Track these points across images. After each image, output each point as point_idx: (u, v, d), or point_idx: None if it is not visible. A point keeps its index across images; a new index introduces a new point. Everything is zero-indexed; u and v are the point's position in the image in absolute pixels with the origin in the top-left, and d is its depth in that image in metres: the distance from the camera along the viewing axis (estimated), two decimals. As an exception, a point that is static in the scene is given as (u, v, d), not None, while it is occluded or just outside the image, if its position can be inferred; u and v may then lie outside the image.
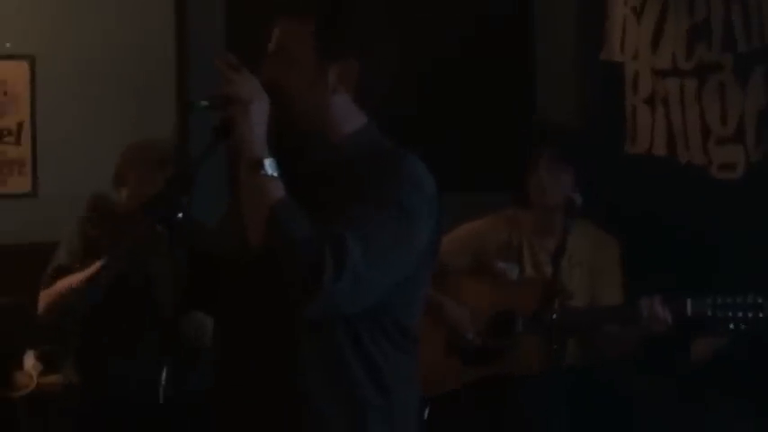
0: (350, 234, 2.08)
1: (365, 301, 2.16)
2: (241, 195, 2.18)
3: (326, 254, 2.05)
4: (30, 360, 4.37)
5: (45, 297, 3.64)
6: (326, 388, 2.23)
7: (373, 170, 2.22)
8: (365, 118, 2.34)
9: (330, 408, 2.23)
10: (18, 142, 4.81)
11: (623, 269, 3.94)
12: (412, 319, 2.32)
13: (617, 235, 4.00)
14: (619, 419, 3.75)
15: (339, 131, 2.31)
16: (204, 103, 2.21)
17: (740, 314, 3.47)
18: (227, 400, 2.33)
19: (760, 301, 3.47)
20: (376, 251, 2.11)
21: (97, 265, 3.48)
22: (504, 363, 3.76)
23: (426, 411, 3.81)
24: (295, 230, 2.08)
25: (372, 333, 2.24)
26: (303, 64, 2.26)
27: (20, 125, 4.81)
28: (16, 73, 4.81)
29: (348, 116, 2.32)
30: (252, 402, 2.28)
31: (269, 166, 2.14)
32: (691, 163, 4.31)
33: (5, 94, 4.80)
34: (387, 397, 2.27)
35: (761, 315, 3.46)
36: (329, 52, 2.27)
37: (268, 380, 2.26)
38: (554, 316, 2.94)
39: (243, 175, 2.16)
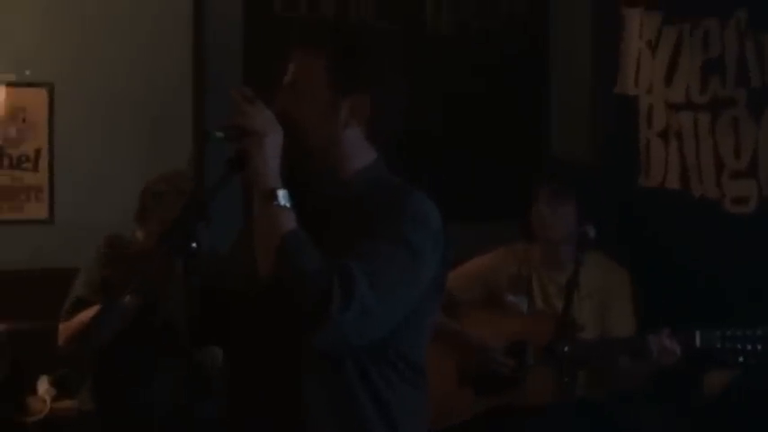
0: (358, 266, 2.10)
1: (372, 334, 2.17)
2: (254, 226, 2.20)
3: (335, 283, 2.06)
4: (43, 385, 4.38)
5: (64, 330, 3.64)
6: (334, 423, 2.24)
7: (381, 207, 2.24)
8: (374, 154, 2.35)
9: None
10: (35, 169, 4.84)
11: (635, 300, 3.95)
12: (419, 353, 2.33)
13: (629, 267, 4.01)
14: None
15: (349, 167, 2.32)
16: (219, 134, 2.22)
17: (749, 347, 3.47)
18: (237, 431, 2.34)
19: None
20: (384, 285, 2.13)
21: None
22: (516, 393, 3.77)
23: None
24: (305, 261, 2.10)
25: (380, 367, 2.26)
26: (316, 97, 2.28)
27: (37, 152, 4.84)
28: (35, 100, 4.84)
29: (358, 151, 2.33)
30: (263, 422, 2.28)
31: (282, 197, 2.16)
32: (704, 197, 4.32)
33: (24, 121, 4.83)
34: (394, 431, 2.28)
35: None
36: (342, 86, 2.28)
37: (276, 413, 2.27)
38: (566, 349, 2.94)
39: (256, 206, 2.18)
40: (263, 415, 2.28)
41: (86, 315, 3.58)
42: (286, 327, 2.17)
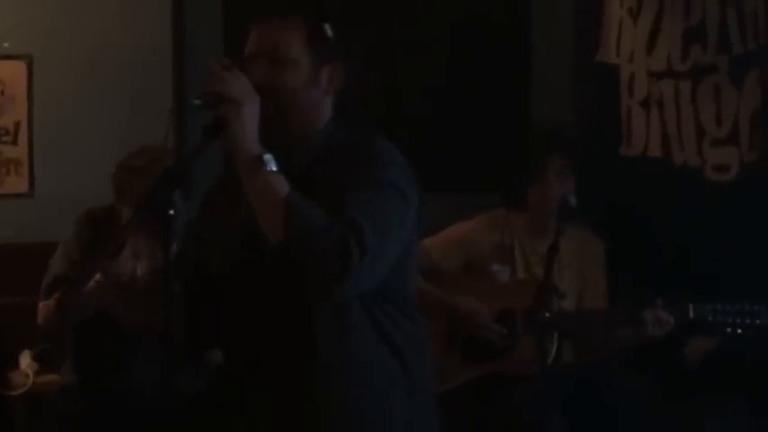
0: (359, 216, 2.18)
1: (381, 276, 2.28)
2: (248, 195, 2.23)
3: (350, 237, 2.15)
4: (26, 359, 4.38)
5: (43, 308, 3.61)
6: (349, 369, 2.34)
7: (359, 158, 2.33)
8: (332, 112, 2.44)
9: (354, 388, 2.34)
10: (15, 142, 4.82)
11: (606, 270, 4.00)
12: (411, 287, 2.46)
13: (608, 236, 4.04)
14: (613, 418, 3.77)
15: (320, 128, 2.40)
16: (197, 101, 2.24)
17: (738, 320, 3.58)
18: (249, 401, 2.40)
19: (757, 308, 3.58)
20: (382, 228, 2.22)
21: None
22: (502, 361, 3.79)
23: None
24: (315, 220, 2.17)
25: (382, 305, 2.36)
26: (299, 64, 2.34)
27: (17, 125, 4.82)
28: (14, 73, 4.82)
29: (326, 114, 2.42)
30: (276, 393, 2.37)
31: (270, 161, 2.21)
32: (686, 164, 4.33)
33: (2, 93, 4.81)
34: (406, 368, 2.39)
35: (758, 322, 3.57)
36: (321, 54, 2.36)
37: (290, 371, 2.35)
38: (546, 314, 2.97)
39: (244, 173, 2.22)
40: (277, 376, 2.36)
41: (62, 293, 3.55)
42: (293, 287, 2.26)
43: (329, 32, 2.39)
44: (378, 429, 2.38)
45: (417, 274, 2.55)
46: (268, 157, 2.21)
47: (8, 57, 4.79)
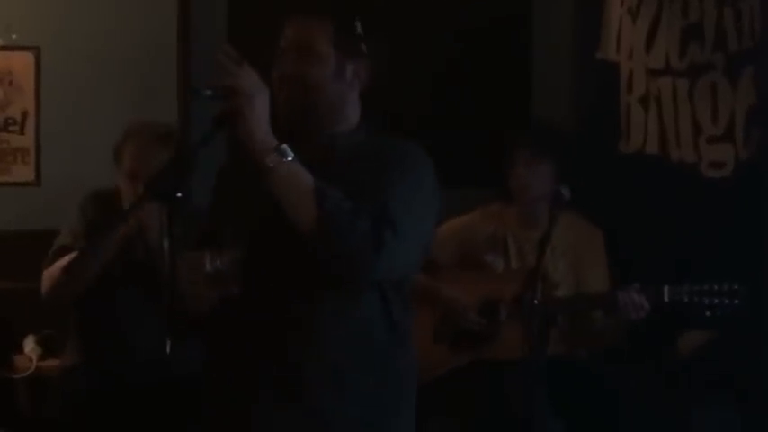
0: (392, 202, 2.28)
1: (409, 265, 2.40)
2: (269, 185, 2.29)
3: (383, 223, 2.24)
4: (29, 344, 4.43)
5: (47, 277, 3.69)
6: (354, 357, 2.40)
7: (389, 154, 2.43)
8: (361, 110, 2.54)
9: (357, 372, 2.40)
10: (22, 132, 4.87)
11: (607, 258, 4.03)
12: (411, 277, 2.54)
13: (605, 228, 4.08)
14: (603, 410, 3.81)
15: (345, 122, 2.50)
16: (208, 92, 2.31)
17: (716, 300, 3.57)
18: (240, 382, 2.43)
19: (735, 287, 3.57)
20: (414, 216, 2.32)
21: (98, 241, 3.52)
22: (489, 348, 3.85)
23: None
24: (344, 206, 2.25)
25: (394, 291, 2.44)
26: (326, 59, 2.44)
27: (24, 115, 4.87)
28: (22, 63, 4.86)
29: (354, 111, 2.52)
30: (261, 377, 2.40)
31: (286, 151, 2.29)
32: (682, 161, 4.38)
33: (11, 84, 4.85)
34: (404, 353, 2.48)
35: (736, 302, 3.56)
36: (346, 50, 2.46)
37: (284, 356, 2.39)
38: (536, 302, 3.03)
39: (261, 164, 2.28)
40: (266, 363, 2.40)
41: (67, 259, 3.62)
42: (306, 273, 2.32)
43: (357, 29, 2.49)
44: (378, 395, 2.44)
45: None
46: (284, 147, 2.29)
47: (16, 48, 4.83)
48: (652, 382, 3.99)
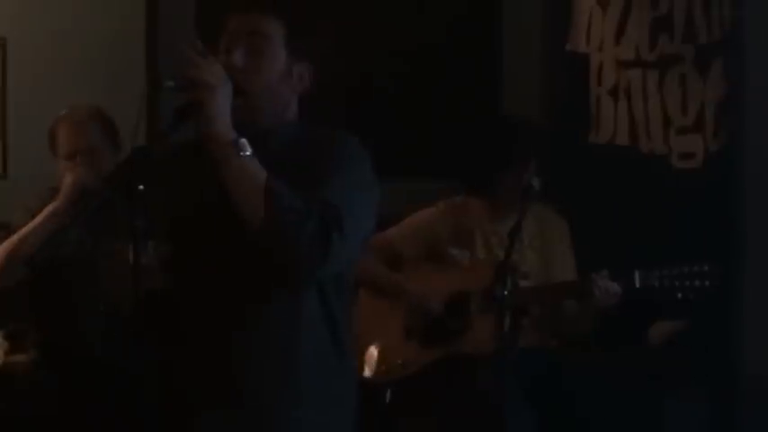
0: (335, 201, 2.27)
1: (351, 261, 2.39)
2: (222, 179, 2.27)
3: (330, 220, 2.23)
4: (-4, 338, 4.40)
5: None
6: (297, 349, 2.38)
7: (328, 149, 2.41)
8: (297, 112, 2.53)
9: (301, 371, 2.38)
10: (-12, 124, 4.84)
11: (573, 247, 4.03)
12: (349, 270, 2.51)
13: (575, 219, 4.08)
14: (574, 399, 3.82)
15: (284, 120, 2.48)
16: (170, 83, 2.29)
17: (687, 283, 3.56)
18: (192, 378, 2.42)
19: (706, 268, 3.57)
20: (357, 213, 2.31)
21: (49, 207, 3.47)
22: (460, 343, 3.83)
23: (387, 395, 3.88)
24: (294, 203, 2.23)
25: (333, 285, 2.41)
26: (277, 58, 2.42)
27: (-10, 107, 4.84)
28: (-13, 55, 4.83)
29: (293, 113, 2.51)
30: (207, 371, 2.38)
31: (245, 145, 2.27)
32: (652, 152, 4.39)
33: (-24, 76, 4.83)
34: (345, 351, 2.46)
35: (707, 283, 3.56)
36: (295, 52, 2.44)
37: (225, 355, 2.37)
38: (506, 293, 3.02)
39: (218, 157, 2.27)
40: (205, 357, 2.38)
41: (21, 231, 3.56)
42: (250, 267, 2.30)
43: (304, 32, 2.47)
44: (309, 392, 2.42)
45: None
46: (243, 141, 2.27)
47: (-19, 40, 4.80)
48: (624, 372, 4.00)
